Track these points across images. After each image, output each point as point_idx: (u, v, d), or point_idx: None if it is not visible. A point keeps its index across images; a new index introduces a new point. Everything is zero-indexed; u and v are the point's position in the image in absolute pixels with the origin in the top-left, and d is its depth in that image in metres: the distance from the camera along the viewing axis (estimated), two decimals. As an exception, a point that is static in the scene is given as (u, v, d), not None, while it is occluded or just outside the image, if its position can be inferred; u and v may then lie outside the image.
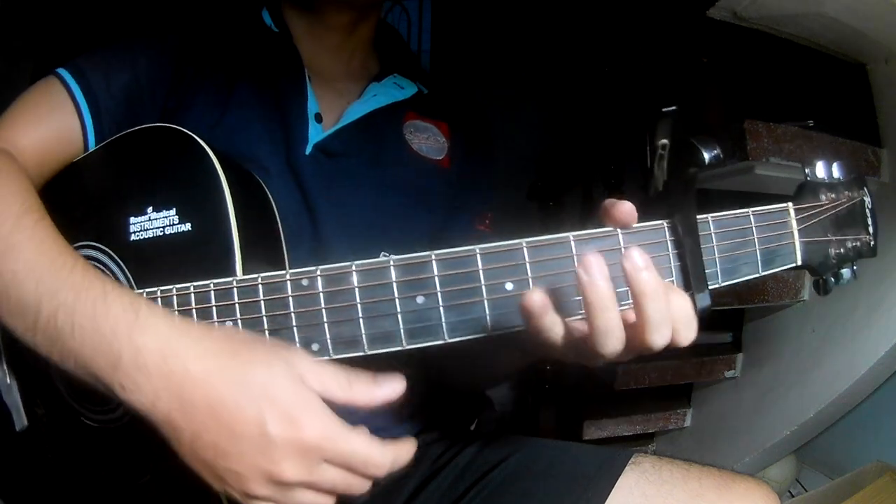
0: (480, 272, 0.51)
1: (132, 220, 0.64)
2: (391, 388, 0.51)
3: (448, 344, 0.53)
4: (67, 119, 0.73)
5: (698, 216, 0.50)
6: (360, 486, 0.51)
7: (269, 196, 0.70)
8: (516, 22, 2.51)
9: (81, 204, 0.71)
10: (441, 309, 0.52)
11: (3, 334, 0.70)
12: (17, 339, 0.55)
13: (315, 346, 0.55)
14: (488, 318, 0.52)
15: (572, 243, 0.50)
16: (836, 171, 0.56)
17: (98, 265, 0.66)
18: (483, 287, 0.51)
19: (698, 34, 1.77)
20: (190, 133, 0.64)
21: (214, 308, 0.57)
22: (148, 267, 0.63)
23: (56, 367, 0.54)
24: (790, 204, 0.55)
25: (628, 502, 0.70)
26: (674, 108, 0.47)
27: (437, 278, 0.51)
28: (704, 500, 0.68)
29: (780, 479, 1.57)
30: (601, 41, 2.25)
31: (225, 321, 0.57)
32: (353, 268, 0.53)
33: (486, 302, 0.51)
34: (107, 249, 0.66)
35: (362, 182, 0.82)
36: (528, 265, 0.51)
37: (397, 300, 0.52)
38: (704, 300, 0.49)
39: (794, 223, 0.54)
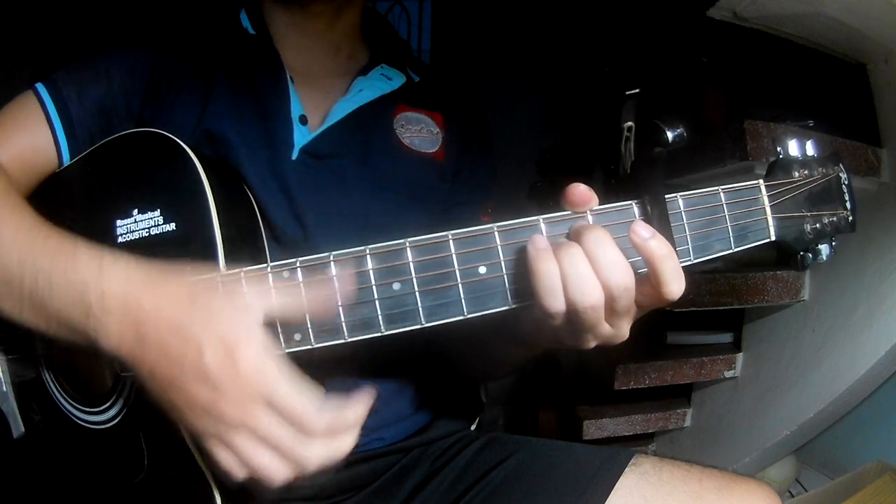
0: (454, 257, 0.52)
1: (119, 222, 0.65)
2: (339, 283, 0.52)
3: (426, 329, 0.53)
4: (39, 131, 0.74)
5: (668, 195, 0.51)
6: (296, 450, 0.49)
7: (249, 193, 0.71)
8: (517, 22, 2.52)
9: (69, 209, 0.72)
10: (417, 294, 0.52)
11: None
12: (9, 322, 0.57)
13: (297, 336, 0.55)
14: (463, 301, 0.52)
15: (542, 226, 0.50)
16: (811, 149, 0.56)
17: None
18: (457, 272, 0.52)
19: (698, 34, 1.77)
20: (172, 136, 0.64)
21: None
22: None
23: (46, 340, 0.57)
24: (761, 181, 0.54)
25: (627, 503, 0.69)
26: (637, 90, 0.47)
27: (411, 264, 0.52)
28: (705, 502, 0.67)
29: (780, 479, 1.56)
30: (601, 41, 2.25)
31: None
32: (332, 258, 0.53)
33: (460, 286, 0.52)
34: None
35: (353, 182, 0.80)
36: (499, 248, 0.51)
37: (374, 287, 0.53)
38: None
39: (765, 199, 0.54)
